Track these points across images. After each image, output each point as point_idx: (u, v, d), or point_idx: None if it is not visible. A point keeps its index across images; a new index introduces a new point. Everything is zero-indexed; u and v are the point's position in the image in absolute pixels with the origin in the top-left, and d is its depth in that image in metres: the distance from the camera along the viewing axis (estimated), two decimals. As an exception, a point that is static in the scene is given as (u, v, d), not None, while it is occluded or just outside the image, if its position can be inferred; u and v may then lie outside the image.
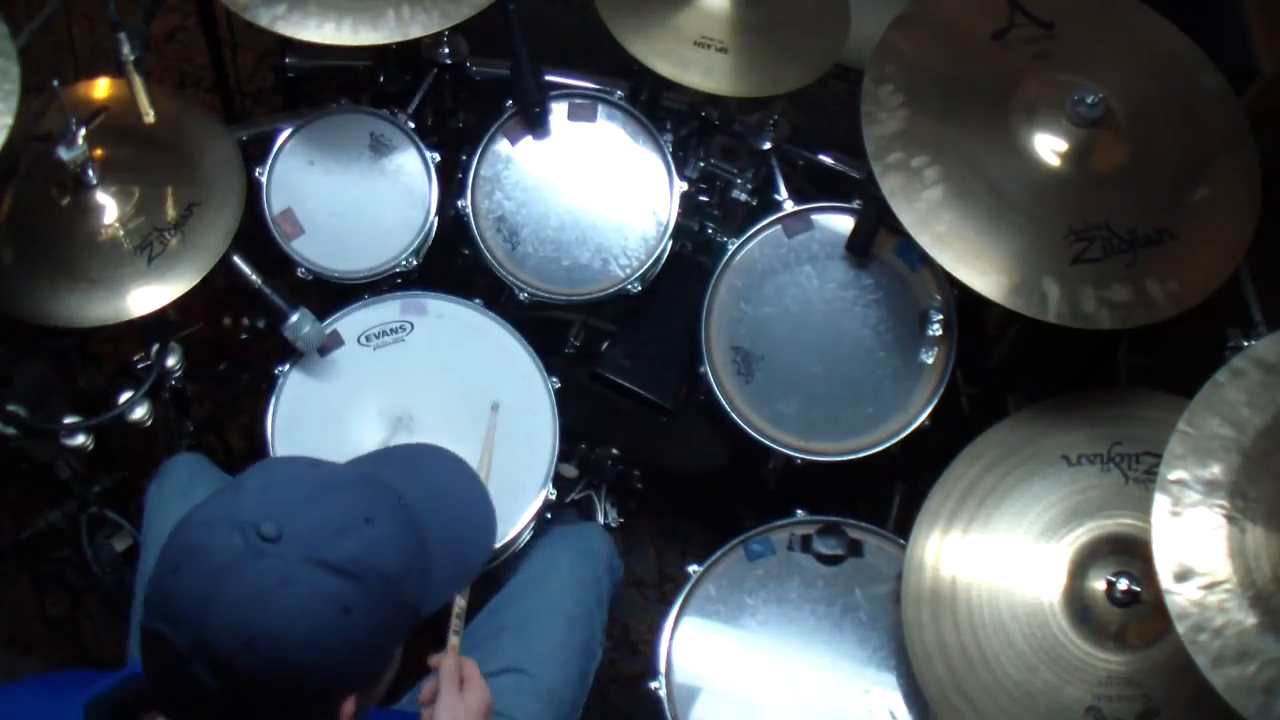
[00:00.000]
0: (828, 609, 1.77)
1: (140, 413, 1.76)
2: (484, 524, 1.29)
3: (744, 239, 1.94)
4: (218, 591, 1.01)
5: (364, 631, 1.06)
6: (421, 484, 1.20)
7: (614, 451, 2.19)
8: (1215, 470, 1.37)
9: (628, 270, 1.96)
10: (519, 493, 1.79)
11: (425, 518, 1.16)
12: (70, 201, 1.73)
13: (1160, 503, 1.37)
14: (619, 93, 2.01)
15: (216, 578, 1.02)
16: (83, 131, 1.66)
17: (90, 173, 1.71)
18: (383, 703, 1.47)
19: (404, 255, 1.92)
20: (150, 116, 1.68)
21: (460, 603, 1.50)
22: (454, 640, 1.46)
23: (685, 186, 1.97)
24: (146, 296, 1.72)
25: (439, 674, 1.40)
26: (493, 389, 1.85)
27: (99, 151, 1.72)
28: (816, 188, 2.17)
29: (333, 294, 1.92)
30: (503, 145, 1.99)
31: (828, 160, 2.22)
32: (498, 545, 1.75)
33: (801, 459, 1.87)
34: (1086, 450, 1.68)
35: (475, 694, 1.38)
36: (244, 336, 2.05)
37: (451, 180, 2.00)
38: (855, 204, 1.91)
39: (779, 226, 1.95)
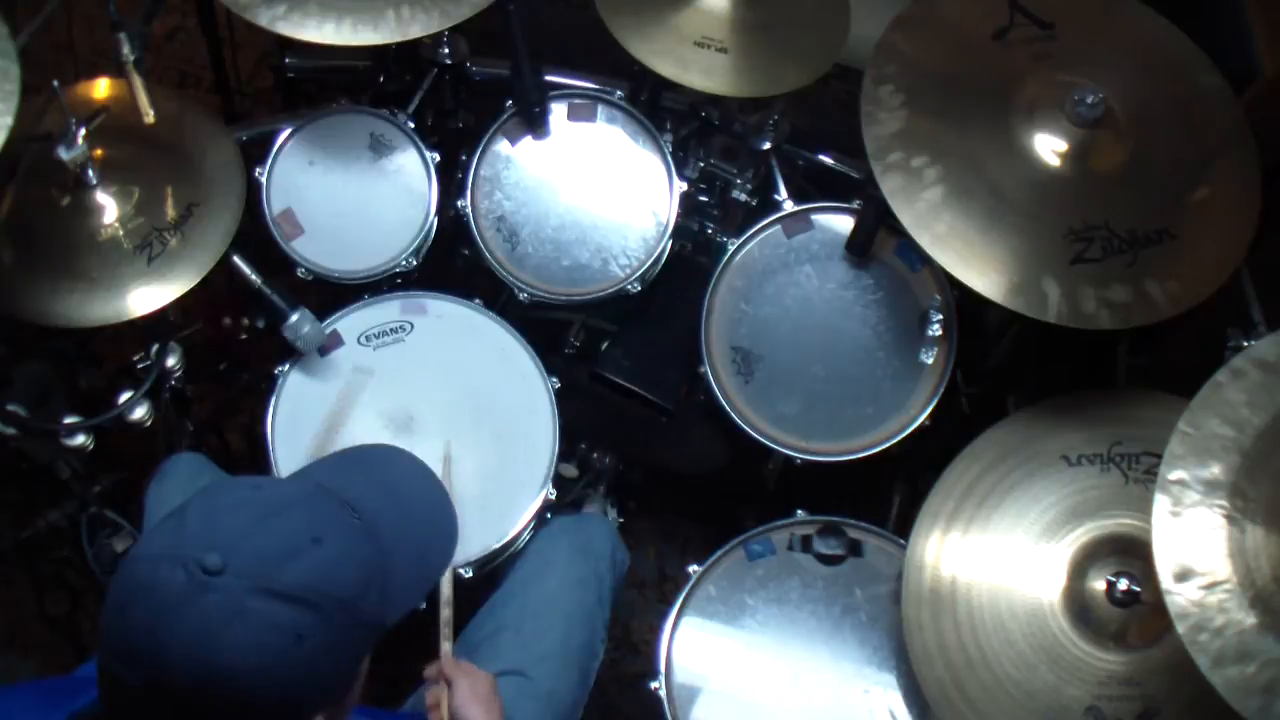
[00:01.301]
0: (828, 609, 1.77)
1: (140, 413, 1.76)
2: (444, 521, 1.26)
3: (744, 239, 1.94)
4: (166, 630, 0.98)
5: (322, 656, 1.03)
6: (376, 487, 1.18)
7: (614, 451, 2.19)
8: (1215, 470, 1.37)
9: (628, 270, 1.96)
10: (519, 493, 1.79)
11: (382, 523, 1.13)
12: (70, 201, 1.73)
13: (1160, 503, 1.37)
14: (619, 93, 2.01)
15: (164, 616, 0.99)
16: (83, 131, 1.66)
17: (90, 173, 1.71)
18: (384, 705, 1.47)
19: (404, 255, 1.92)
20: (150, 116, 1.68)
21: (446, 613, 1.51)
22: (445, 646, 1.47)
23: (685, 186, 1.97)
24: (146, 296, 1.72)
25: (443, 674, 1.42)
26: (493, 389, 1.85)
27: (99, 151, 1.72)
28: (816, 188, 2.17)
29: (333, 294, 1.92)
30: (503, 145, 1.99)
31: (828, 160, 2.22)
32: (499, 544, 1.75)
33: (801, 459, 1.87)
34: (1086, 450, 1.68)
35: (481, 675, 1.42)
36: (244, 336, 2.05)
37: (451, 180, 2.00)
38: (855, 204, 1.91)
39: (779, 226, 1.95)
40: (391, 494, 1.20)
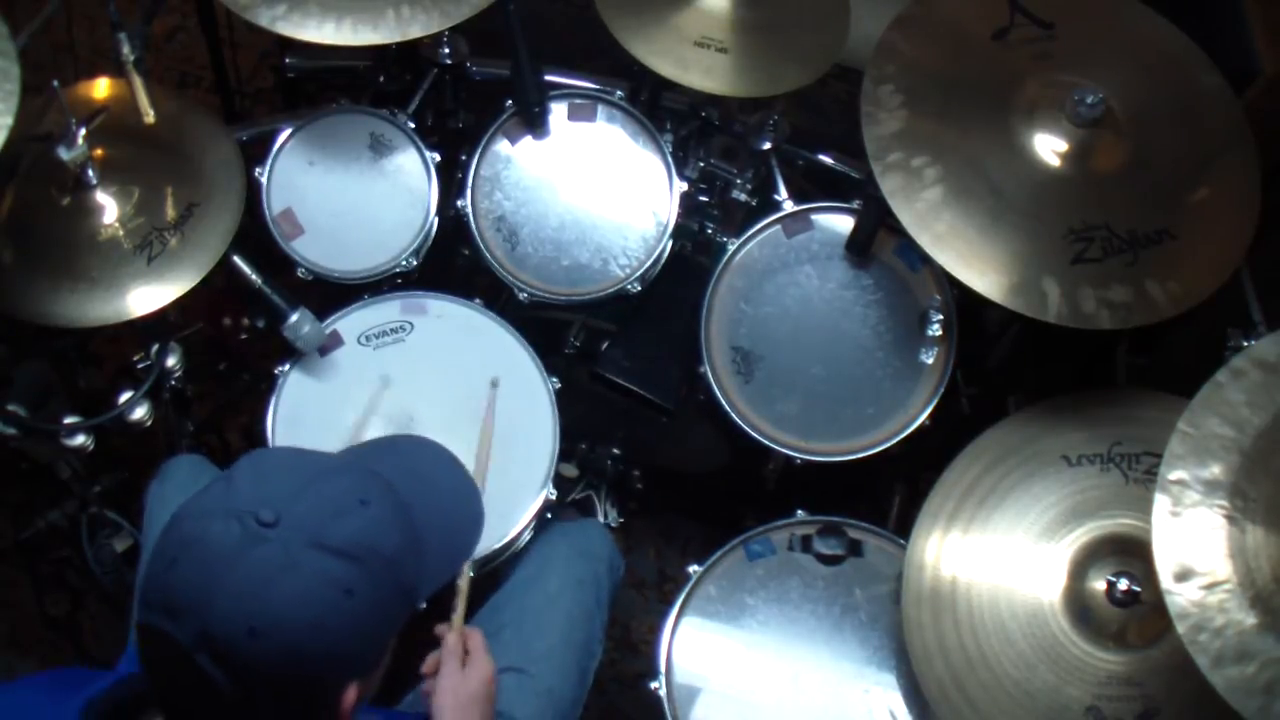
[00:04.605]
0: (828, 609, 1.77)
1: (140, 413, 1.76)
2: (471, 507, 1.29)
3: (744, 239, 1.94)
4: (218, 581, 1.01)
5: (366, 613, 1.06)
6: (406, 471, 1.20)
7: (614, 451, 2.19)
8: (1215, 470, 1.37)
9: (628, 270, 1.96)
10: (519, 492, 1.79)
11: (413, 503, 1.16)
12: (70, 201, 1.73)
13: (1160, 503, 1.37)
14: (619, 93, 2.01)
15: (216, 567, 1.02)
16: (83, 131, 1.66)
17: (90, 173, 1.71)
18: (382, 703, 1.47)
19: (404, 255, 1.92)
20: (150, 116, 1.69)
21: (463, 579, 1.51)
22: (456, 616, 1.47)
23: (685, 186, 1.98)
24: (146, 296, 1.72)
25: (442, 648, 1.41)
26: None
27: (99, 151, 1.72)
28: (816, 188, 2.17)
29: (333, 294, 1.92)
30: (503, 145, 1.99)
31: (828, 160, 2.22)
32: (499, 544, 1.75)
33: (801, 459, 1.87)
34: (1086, 450, 1.68)
35: (477, 669, 1.40)
36: (244, 336, 2.05)
37: (451, 180, 2.00)
38: (855, 204, 1.91)
39: (779, 226, 1.95)
40: (420, 477, 1.23)
